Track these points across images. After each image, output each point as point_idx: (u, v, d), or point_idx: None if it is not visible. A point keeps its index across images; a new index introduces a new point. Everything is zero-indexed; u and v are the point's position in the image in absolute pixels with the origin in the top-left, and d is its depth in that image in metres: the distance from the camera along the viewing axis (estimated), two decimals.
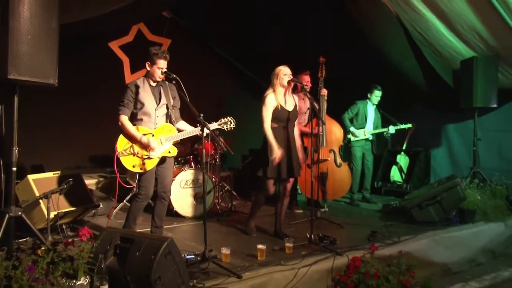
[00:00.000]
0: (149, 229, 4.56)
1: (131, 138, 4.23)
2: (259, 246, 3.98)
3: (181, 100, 4.34)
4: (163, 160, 4.39)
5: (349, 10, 6.28)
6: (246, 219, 4.96)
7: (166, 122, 4.45)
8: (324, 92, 6.14)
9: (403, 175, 7.96)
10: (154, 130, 4.33)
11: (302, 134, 5.98)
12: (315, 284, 3.72)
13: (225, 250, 3.85)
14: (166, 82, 4.46)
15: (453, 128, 7.65)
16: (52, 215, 4.46)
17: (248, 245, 4.37)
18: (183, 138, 4.55)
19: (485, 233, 5.34)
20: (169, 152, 4.39)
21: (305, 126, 6.01)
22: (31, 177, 4.75)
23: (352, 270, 3.79)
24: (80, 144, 6.67)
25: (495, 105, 6.35)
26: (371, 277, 3.68)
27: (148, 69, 4.29)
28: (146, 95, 4.27)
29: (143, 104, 4.26)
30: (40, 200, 4.55)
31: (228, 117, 4.51)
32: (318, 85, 6.14)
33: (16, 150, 3.22)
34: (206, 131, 4.07)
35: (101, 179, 6.60)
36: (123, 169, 4.27)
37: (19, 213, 3.26)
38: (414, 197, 5.63)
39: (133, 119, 4.29)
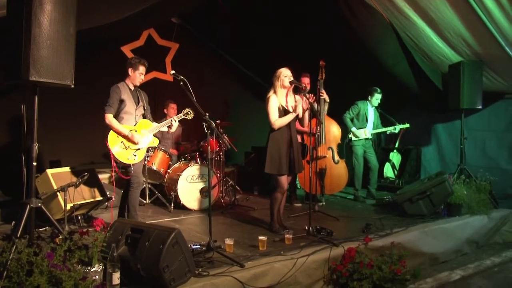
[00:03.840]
0: (159, 220, 4.60)
1: (119, 134, 4.46)
2: (261, 237, 3.99)
3: (187, 100, 4.36)
4: None
5: (346, 17, 6.26)
6: (269, 223, 4.81)
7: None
8: (324, 94, 6.14)
9: (396, 172, 7.96)
10: (135, 127, 4.59)
11: (302, 133, 6.01)
12: (312, 273, 3.73)
13: (228, 241, 3.86)
14: (140, 89, 4.78)
15: (442, 127, 7.65)
16: (68, 206, 4.51)
17: (250, 236, 4.39)
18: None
19: (470, 225, 5.35)
20: (153, 142, 4.72)
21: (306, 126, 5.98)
22: (49, 172, 4.79)
23: (348, 260, 3.81)
24: (95, 142, 6.67)
25: (480, 107, 6.36)
26: (365, 266, 3.69)
27: (130, 74, 4.60)
28: (127, 97, 4.57)
29: (125, 105, 4.54)
30: (58, 193, 4.59)
31: (188, 109, 4.89)
32: (317, 86, 6.14)
33: (36, 147, 3.22)
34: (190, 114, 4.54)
35: (113, 173, 6.62)
36: (119, 163, 4.46)
37: (39, 204, 3.26)
38: (405, 192, 5.62)
39: (116, 117, 4.52)
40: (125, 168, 4.55)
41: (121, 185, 5.84)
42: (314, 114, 4.75)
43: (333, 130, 6.47)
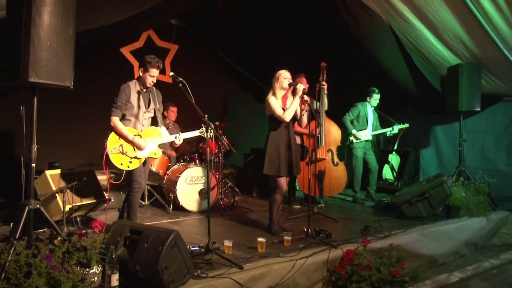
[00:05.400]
0: (158, 222, 4.57)
1: (121, 138, 4.26)
2: (259, 239, 3.99)
3: (186, 101, 4.33)
4: (145, 161, 4.47)
5: (345, 19, 6.28)
6: (268, 224, 4.80)
7: (152, 125, 4.51)
8: (324, 85, 6.13)
9: (394, 173, 7.97)
10: (142, 132, 4.38)
11: (302, 134, 6.01)
12: (311, 274, 3.73)
13: (227, 243, 3.85)
14: (154, 88, 4.51)
15: (441, 129, 7.67)
16: (67, 208, 4.50)
17: (249, 238, 4.38)
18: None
19: (468, 227, 5.36)
20: (155, 153, 4.47)
21: (304, 127, 5.96)
22: (48, 173, 4.79)
23: (346, 262, 3.81)
24: (93, 143, 6.68)
25: (478, 109, 6.37)
26: (364, 268, 3.69)
27: (141, 75, 4.31)
28: (137, 99, 4.32)
29: (133, 107, 4.31)
30: (57, 194, 4.59)
31: (204, 127, 4.30)
32: (316, 88, 6.12)
33: (35, 148, 3.22)
34: (206, 130, 4.09)
35: (112, 175, 6.62)
36: (111, 166, 4.28)
37: (38, 205, 3.26)
38: (404, 194, 5.63)
39: (122, 119, 4.31)
40: (115, 172, 4.44)
41: (121, 187, 5.85)
42: (313, 116, 4.75)
43: (333, 132, 6.47)
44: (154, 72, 4.28)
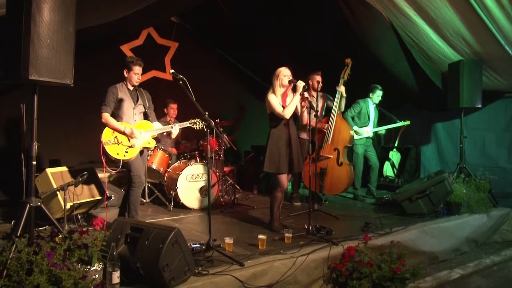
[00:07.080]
0: (158, 219, 4.58)
1: (115, 130, 4.47)
2: (260, 236, 3.99)
3: (187, 99, 4.35)
4: (140, 152, 4.63)
5: (346, 16, 6.26)
6: (268, 221, 4.80)
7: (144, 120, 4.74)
8: (342, 88, 6.16)
9: (395, 170, 7.96)
10: (134, 126, 4.57)
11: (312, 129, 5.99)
12: (312, 271, 3.73)
13: (228, 240, 3.86)
14: (141, 89, 4.77)
15: (441, 126, 7.67)
16: (68, 205, 4.52)
17: (250, 235, 4.39)
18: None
19: (469, 224, 5.36)
20: (149, 143, 4.65)
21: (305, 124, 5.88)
22: (49, 171, 4.80)
23: (347, 259, 3.81)
24: (94, 141, 6.69)
25: (479, 106, 6.35)
26: (365, 265, 3.69)
27: (126, 75, 4.60)
28: (125, 97, 4.57)
29: (122, 104, 4.54)
30: (58, 192, 4.60)
31: (197, 119, 4.68)
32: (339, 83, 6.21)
33: (36, 146, 3.23)
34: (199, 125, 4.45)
35: (112, 172, 6.62)
36: (109, 158, 4.42)
37: (39, 203, 3.27)
38: (405, 191, 5.63)
39: (114, 117, 4.53)
40: (114, 169, 4.55)
41: (122, 184, 5.86)
42: (314, 113, 4.74)
43: (343, 131, 6.38)
44: (137, 69, 4.58)
